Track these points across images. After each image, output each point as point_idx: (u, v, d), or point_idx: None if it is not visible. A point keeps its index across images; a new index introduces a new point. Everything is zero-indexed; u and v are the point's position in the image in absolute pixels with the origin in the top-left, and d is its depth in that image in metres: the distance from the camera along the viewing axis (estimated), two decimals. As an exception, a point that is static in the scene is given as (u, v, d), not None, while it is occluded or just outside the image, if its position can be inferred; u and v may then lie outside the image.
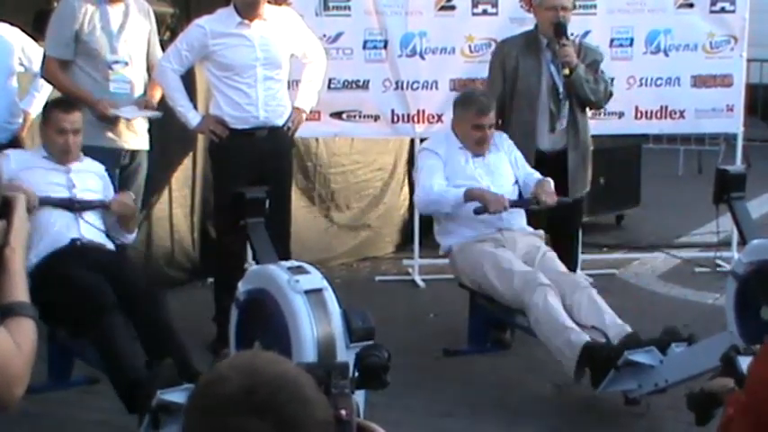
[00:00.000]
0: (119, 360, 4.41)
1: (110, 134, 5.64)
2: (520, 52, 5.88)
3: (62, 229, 4.92)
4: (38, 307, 4.69)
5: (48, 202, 4.90)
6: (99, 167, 5.29)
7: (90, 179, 5.19)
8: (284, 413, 1.60)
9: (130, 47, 5.69)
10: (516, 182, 5.71)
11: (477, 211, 5.39)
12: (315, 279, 4.35)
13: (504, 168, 5.70)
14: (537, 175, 5.71)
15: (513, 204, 5.51)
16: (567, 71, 5.75)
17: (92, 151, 5.37)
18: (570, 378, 4.90)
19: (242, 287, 4.49)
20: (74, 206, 5.00)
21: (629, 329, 4.88)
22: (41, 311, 4.71)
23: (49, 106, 5.34)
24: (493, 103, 5.64)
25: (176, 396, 4.06)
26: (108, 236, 5.12)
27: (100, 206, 5.09)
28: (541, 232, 5.73)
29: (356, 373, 3.73)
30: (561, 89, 5.84)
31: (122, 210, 5.13)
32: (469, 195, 5.42)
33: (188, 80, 5.88)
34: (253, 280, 4.49)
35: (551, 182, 5.59)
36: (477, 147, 5.62)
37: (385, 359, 3.72)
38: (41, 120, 5.27)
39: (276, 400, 1.60)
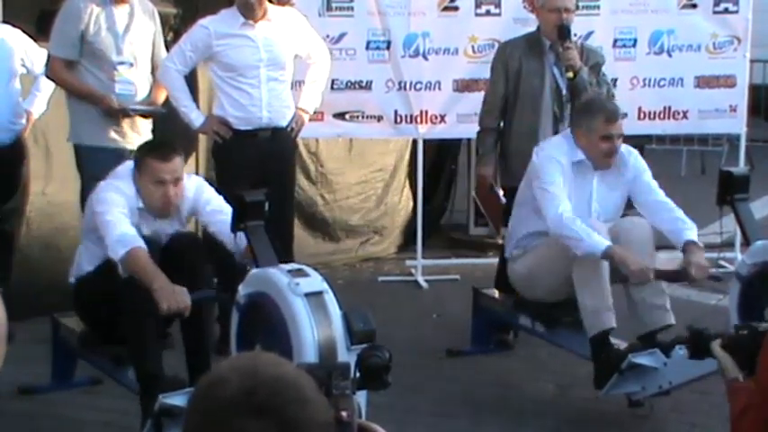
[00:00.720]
0: (143, 345, 4.41)
1: (114, 135, 5.64)
2: (523, 54, 5.86)
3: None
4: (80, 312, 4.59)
5: (200, 301, 4.49)
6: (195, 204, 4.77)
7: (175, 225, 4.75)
8: (284, 414, 1.60)
9: (136, 48, 5.69)
10: (624, 201, 5.28)
11: (618, 280, 4.86)
12: (315, 282, 4.34)
13: (620, 192, 5.20)
14: (660, 195, 5.15)
15: (659, 276, 4.87)
16: (570, 74, 5.73)
17: (96, 152, 5.37)
18: (573, 379, 4.90)
19: (242, 290, 4.48)
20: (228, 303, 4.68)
21: (669, 321, 4.88)
22: (84, 319, 4.74)
23: (143, 153, 4.69)
24: (619, 109, 5.22)
25: (178, 400, 4.07)
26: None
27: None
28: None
29: (357, 374, 3.72)
30: (564, 91, 5.83)
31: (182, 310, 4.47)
32: (609, 256, 4.77)
33: (190, 80, 5.87)
34: (253, 283, 4.49)
35: (703, 250, 4.95)
36: (605, 160, 5.07)
37: (386, 360, 3.71)
38: (135, 166, 4.63)
39: (276, 402, 1.60)
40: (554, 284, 5.03)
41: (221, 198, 4.76)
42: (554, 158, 5.04)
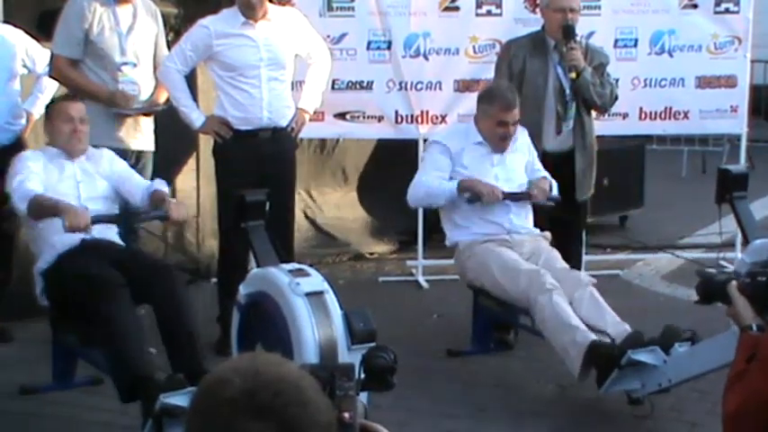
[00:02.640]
0: (124, 349, 4.38)
1: (116, 135, 5.65)
2: (527, 53, 5.86)
3: None
4: (51, 307, 4.74)
5: (101, 220, 4.80)
6: (107, 161, 5.18)
7: (96, 182, 5.07)
8: (286, 416, 1.60)
9: (139, 48, 5.69)
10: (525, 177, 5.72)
11: (470, 200, 5.45)
12: (315, 281, 4.34)
13: (520, 169, 5.70)
14: (542, 172, 5.72)
15: (507, 196, 5.50)
16: (573, 75, 5.73)
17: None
18: (574, 378, 4.90)
19: (243, 290, 4.49)
20: (131, 221, 4.98)
21: (629, 329, 4.89)
22: (55, 313, 4.79)
23: (52, 101, 5.32)
24: (517, 98, 5.57)
25: (179, 399, 4.07)
26: (120, 236, 5.08)
27: (159, 218, 5.02)
28: (548, 234, 5.72)
29: (362, 375, 3.73)
30: (568, 91, 5.83)
31: (182, 216, 5.02)
32: (462, 186, 5.46)
33: (189, 80, 5.87)
34: (254, 283, 4.49)
35: (549, 180, 5.63)
36: (501, 143, 5.59)
37: (391, 361, 3.71)
38: (45, 118, 5.23)
39: (277, 403, 1.60)
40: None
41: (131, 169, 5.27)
42: (436, 141, 5.71)
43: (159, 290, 4.60)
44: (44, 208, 4.70)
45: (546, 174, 5.70)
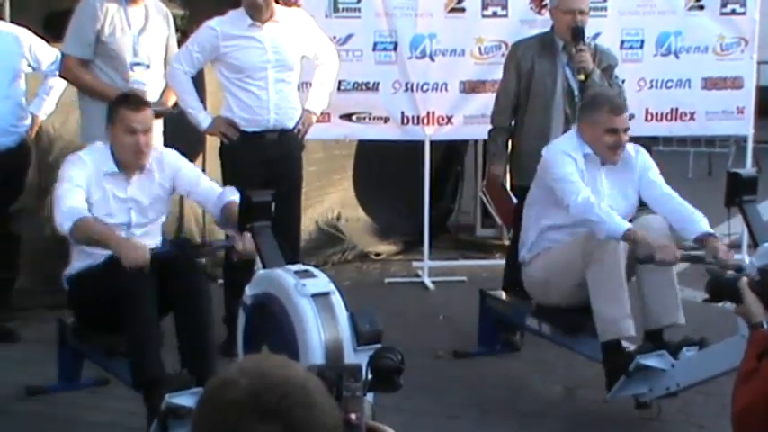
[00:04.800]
0: (143, 351, 4.35)
1: None
2: (535, 54, 5.86)
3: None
4: (73, 312, 4.61)
5: (161, 257, 4.48)
6: (171, 165, 4.86)
7: (154, 204, 4.82)
8: (291, 417, 1.60)
9: (151, 49, 5.68)
10: (636, 199, 5.25)
11: (642, 260, 4.75)
12: (322, 283, 4.34)
13: (630, 189, 5.18)
14: (688, 207, 5.01)
15: (685, 259, 4.83)
16: (582, 77, 5.72)
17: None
18: (580, 380, 4.89)
19: (249, 291, 4.48)
20: (194, 256, 4.72)
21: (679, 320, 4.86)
22: (78, 317, 4.74)
23: (117, 104, 4.79)
24: (625, 103, 5.24)
25: (185, 399, 4.07)
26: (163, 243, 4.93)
27: (225, 248, 4.88)
28: None
29: (368, 376, 3.72)
30: (577, 92, 5.82)
31: (251, 251, 4.61)
32: (631, 237, 4.74)
33: (196, 81, 5.88)
34: (260, 284, 4.49)
35: (719, 240, 4.94)
36: (611, 154, 5.05)
37: (398, 361, 3.70)
38: (108, 119, 4.78)
39: (283, 405, 1.60)
40: (570, 288, 5.00)
41: (198, 169, 4.92)
42: (564, 152, 5.04)
43: (182, 289, 4.52)
44: (93, 237, 4.44)
45: (710, 230, 4.94)
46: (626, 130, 5.06)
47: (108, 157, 4.72)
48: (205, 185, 4.88)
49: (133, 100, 4.83)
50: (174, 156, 4.92)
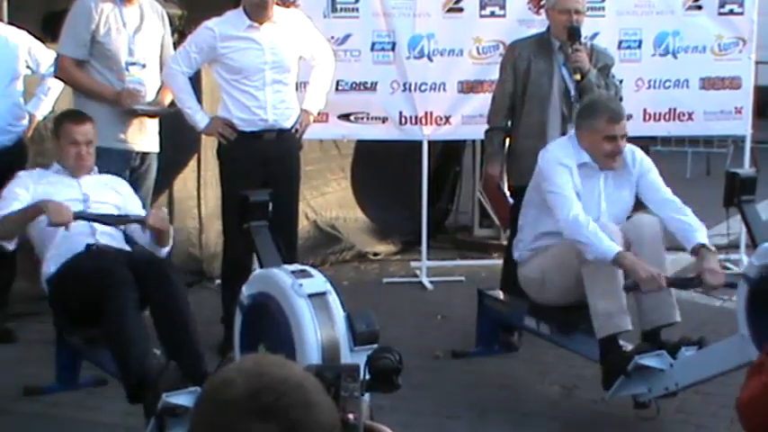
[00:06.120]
0: (129, 347, 4.35)
1: (121, 136, 5.65)
2: (532, 54, 5.85)
3: (78, 236, 4.81)
4: (56, 312, 4.71)
5: (83, 217, 4.78)
6: (115, 181, 5.22)
7: (106, 192, 5.09)
8: (289, 417, 1.59)
9: (146, 49, 5.69)
10: (633, 200, 5.21)
11: (627, 288, 4.72)
12: (318, 283, 4.34)
13: (627, 191, 5.15)
14: (687, 214, 4.94)
15: (671, 284, 4.76)
16: (578, 76, 5.72)
17: (104, 153, 5.36)
18: (578, 380, 4.89)
19: (246, 291, 4.48)
20: (113, 223, 4.90)
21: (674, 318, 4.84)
22: (61, 316, 4.78)
23: (60, 119, 5.23)
24: (624, 109, 5.17)
25: (182, 399, 4.06)
26: (126, 241, 5.05)
27: (136, 222, 4.96)
28: None
29: (367, 376, 3.72)
30: (573, 92, 5.82)
31: (159, 224, 4.89)
32: (619, 263, 4.68)
33: (194, 82, 5.87)
34: (256, 284, 4.49)
35: (717, 256, 4.81)
36: (609, 161, 5.01)
37: (397, 362, 3.71)
38: (53, 132, 5.21)
39: (281, 404, 1.60)
40: (566, 286, 4.97)
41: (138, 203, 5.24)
42: (560, 161, 5.00)
43: (158, 287, 4.56)
44: (17, 218, 4.76)
45: (708, 244, 4.84)
46: (624, 136, 5.02)
47: (55, 166, 5.11)
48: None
49: (75, 114, 5.24)
50: (126, 187, 5.25)
